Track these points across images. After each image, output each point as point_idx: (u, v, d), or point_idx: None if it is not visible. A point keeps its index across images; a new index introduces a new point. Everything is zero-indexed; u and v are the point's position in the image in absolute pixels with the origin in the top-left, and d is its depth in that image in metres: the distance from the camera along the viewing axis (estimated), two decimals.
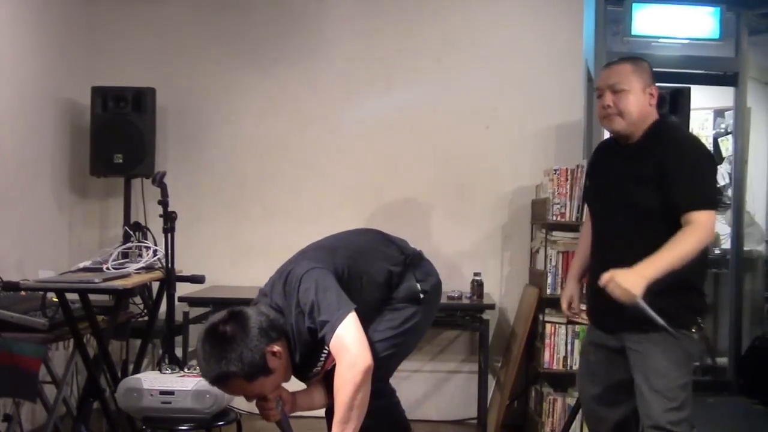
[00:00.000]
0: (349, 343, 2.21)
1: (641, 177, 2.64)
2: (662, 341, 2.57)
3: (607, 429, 2.85)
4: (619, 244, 2.69)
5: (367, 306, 2.44)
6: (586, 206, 3.18)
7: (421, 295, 2.59)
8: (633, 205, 2.65)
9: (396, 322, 2.53)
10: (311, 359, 2.40)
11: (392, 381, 2.68)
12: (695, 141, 2.82)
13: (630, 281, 2.42)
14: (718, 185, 2.59)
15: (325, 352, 2.37)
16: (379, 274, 2.55)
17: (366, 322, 2.36)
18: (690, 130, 4.46)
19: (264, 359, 2.24)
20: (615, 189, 2.74)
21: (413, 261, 2.68)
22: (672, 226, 2.56)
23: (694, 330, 2.64)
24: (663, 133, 2.71)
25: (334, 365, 2.29)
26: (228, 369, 2.23)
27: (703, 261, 2.71)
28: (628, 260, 2.51)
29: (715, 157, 2.95)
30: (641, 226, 2.63)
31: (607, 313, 2.72)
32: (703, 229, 2.52)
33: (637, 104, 2.68)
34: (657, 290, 2.50)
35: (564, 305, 3.08)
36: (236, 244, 4.87)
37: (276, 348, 2.28)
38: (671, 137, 2.70)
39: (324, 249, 2.55)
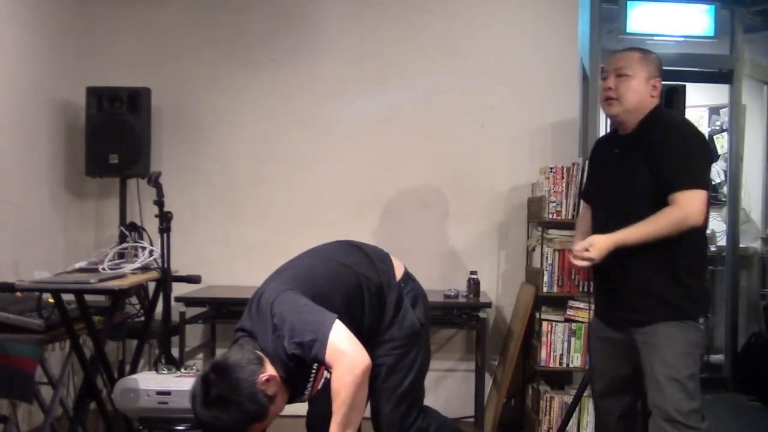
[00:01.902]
0: (344, 347, 2.20)
1: (637, 164, 2.66)
2: (668, 332, 2.61)
3: (612, 420, 2.87)
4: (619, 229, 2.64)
5: (354, 320, 2.41)
6: (582, 201, 3.17)
7: (420, 327, 2.58)
8: (635, 193, 2.67)
9: (407, 369, 2.53)
10: (300, 381, 2.38)
11: None
12: (685, 123, 2.82)
13: (600, 242, 2.58)
14: (710, 171, 2.59)
15: (314, 371, 2.36)
16: (354, 286, 2.49)
17: (362, 336, 2.35)
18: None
19: (264, 394, 2.22)
20: (617, 179, 2.75)
21: (403, 287, 2.60)
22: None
23: (701, 321, 2.66)
24: (657, 119, 2.74)
25: (324, 384, 2.29)
26: (243, 427, 2.22)
27: (703, 251, 2.76)
28: (632, 248, 2.58)
29: (710, 146, 2.99)
30: (644, 212, 2.61)
31: (614, 309, 2.78)
32: (681, 211, 2.54)
33: (637, 92, 2.71)
34: (662, 277, 2.60)
35: (582, 244, 2.67)
36: (232, 244, 4.87)
37: (265, 376, 2.23)
38: (663, 121, 2.73)
39: (293, 269, 2.50)
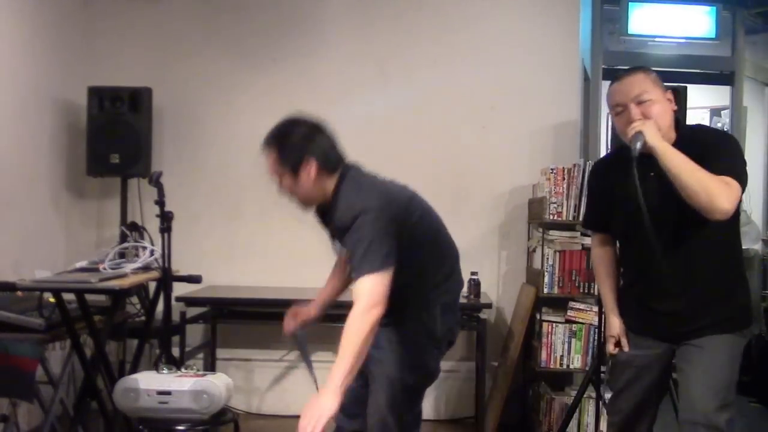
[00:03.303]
0: (373, 291, 2.31)
1: None
2: (728, 339, 2.54)
3: None
4: (686, 252, 2.53)
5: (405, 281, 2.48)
6: (596, 234, 2.87)
7: (433, 335, 2.63)
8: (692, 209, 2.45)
9: (409, 359, 2.58)
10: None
11: None
12: (727, 133, 2.88)
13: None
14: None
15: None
16: (434, 264, 2.65)
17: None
18: None
19: (300, 161, 2.47)
20: (663, 200, 2.49)
21: (453, 301, 2.73)
22: (733, 225, 2.61)
23: (748, 328, 2.63)
24: (699, 133, 2.62)
25: None
26: (273, 142, 2.53)
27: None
28: (703, 266, 2.54)
29: None
30: (705, 227, 2.48)
31: (671, 326, 2.60)
32: (723, 182, 2.40)
33: (665, 113, 2.53)
34: (728, 287, 2.58)
35: (612, 346, 2.74)
36: (233, 244, 4.86)
37: (310, 167, 2.48)
38: (707, 132, 2.74)
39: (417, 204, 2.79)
